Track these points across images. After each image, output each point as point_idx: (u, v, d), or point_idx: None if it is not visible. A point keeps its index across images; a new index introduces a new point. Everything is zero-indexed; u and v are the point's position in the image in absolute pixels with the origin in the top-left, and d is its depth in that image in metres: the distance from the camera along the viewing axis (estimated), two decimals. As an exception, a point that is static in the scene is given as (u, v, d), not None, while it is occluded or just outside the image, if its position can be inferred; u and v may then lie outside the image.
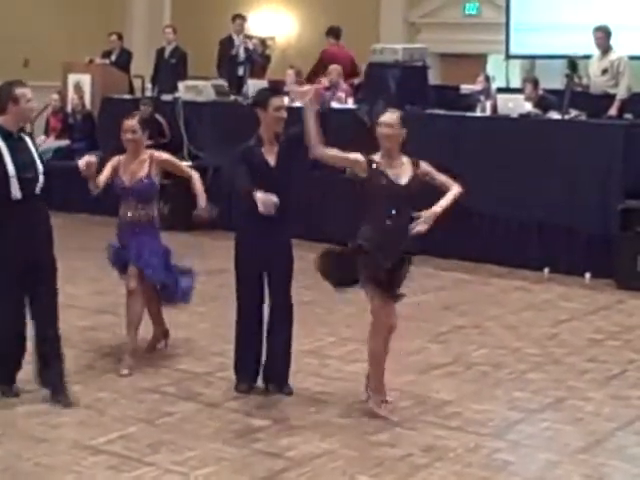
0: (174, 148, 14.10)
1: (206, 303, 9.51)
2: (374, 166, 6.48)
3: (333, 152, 6.58)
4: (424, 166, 6.62)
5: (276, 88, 7.13)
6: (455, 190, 6.63)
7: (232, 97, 14.51)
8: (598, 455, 6.10)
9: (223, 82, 15.01)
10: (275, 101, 6.83)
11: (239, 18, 15.87)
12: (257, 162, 6.83)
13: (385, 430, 6.37)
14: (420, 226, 6.45)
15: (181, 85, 14.56)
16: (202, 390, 7.07)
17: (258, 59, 15.87)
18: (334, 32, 15.09)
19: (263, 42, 16.45)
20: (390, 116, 6.56)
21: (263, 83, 14.60)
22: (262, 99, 6.90)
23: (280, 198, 6.61)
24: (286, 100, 13.68)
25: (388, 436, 6.29)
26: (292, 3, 19.56)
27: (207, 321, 8.92)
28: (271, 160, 6.86)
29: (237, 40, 15.61)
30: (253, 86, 14.41)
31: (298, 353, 7.81)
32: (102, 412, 6.60)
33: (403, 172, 6.53)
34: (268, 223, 6.67)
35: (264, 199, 6.56)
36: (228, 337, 8.35)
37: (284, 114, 6.83)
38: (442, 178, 6.68)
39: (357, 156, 6.55)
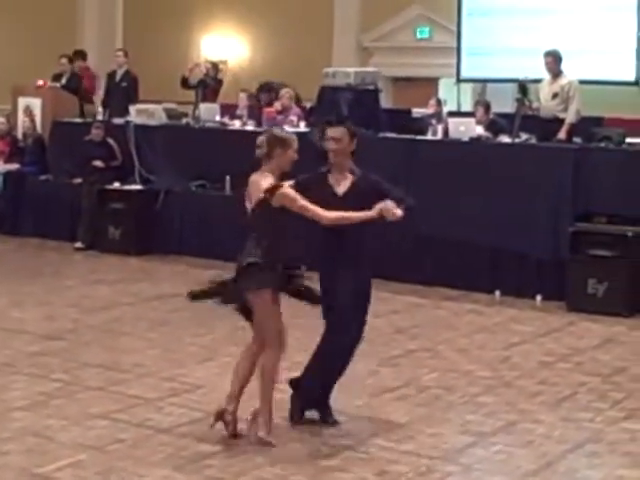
0: (125, 171, 14.10)
1: (156, 328, 9.47)
2: None
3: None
4: None
5: (339, 119, 7.00)
6: None
7: (184, 120, 14.48)
8: (549, 478, 6.11)
9: (175, 105, 15.00)
10: (328, 132, 6.75)
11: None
12: (325, 189, 6.75)
13: (337, 455, 6.34)
14: None
15: (132, 109, 14.50)
16: (153, 416, 7.00)
17: (211, 83, 15.86)
18: (82, 55, 16.59)
19: (215, 66, 16.44)
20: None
21: (215, 107, 14.64)
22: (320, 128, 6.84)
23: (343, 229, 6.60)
24: (237, 123, 13.92)
25: (339, 461, 6.25)
26: (244, 27, 19.58)
27: (157, 346, 8.85)
28: (339, 189, 6.76)
29: None
30: (205, 110, 14.44)
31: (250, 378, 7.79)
32: (51, 439, 6.51)
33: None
34: None
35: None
36: (179, 362, 8.35)
37: (332, 145, 6.69)
38: None
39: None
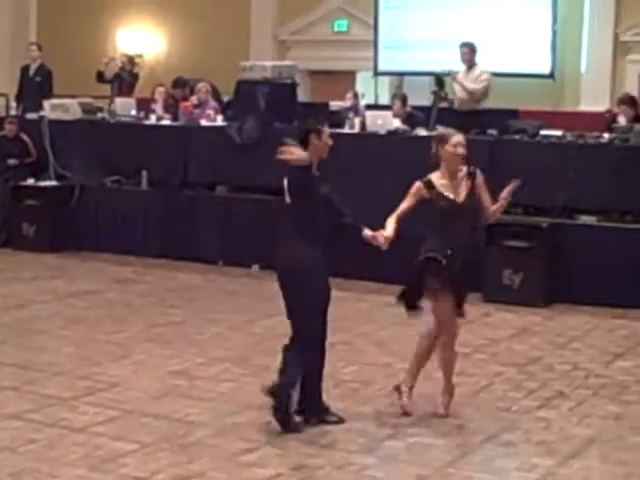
0: (40, 167, 13.90)
1: (71, 326, 9.34)
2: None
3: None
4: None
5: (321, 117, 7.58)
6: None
7: (99, 115, 14.31)
8: (465, 468, 6.15)
9: (90, 100, 14.81)
10: (326, 129, 7.15)
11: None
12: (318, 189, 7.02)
13: (254, 450, 6.32)
14: None
15: (46, 104, 14.29)
16: (67, 415, 6.89)
17: (126, 77, 15.70)
18: None
19: (131, 60, 16.26)
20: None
21: (131, 101, 14.49)
22: (315, 126, 7.08)
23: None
24: (153, 118, 13.76)
25: (257, 456, 6.23)
26: (160, 20, 19.42)
27: (72, 345, 8.72)
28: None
29: None
30: (121, 104, 14.29)
31: (166, 374, 7.74)
32: (-37, 441, 6.40)
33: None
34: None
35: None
36: (94, 360, 8.24)
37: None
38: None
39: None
